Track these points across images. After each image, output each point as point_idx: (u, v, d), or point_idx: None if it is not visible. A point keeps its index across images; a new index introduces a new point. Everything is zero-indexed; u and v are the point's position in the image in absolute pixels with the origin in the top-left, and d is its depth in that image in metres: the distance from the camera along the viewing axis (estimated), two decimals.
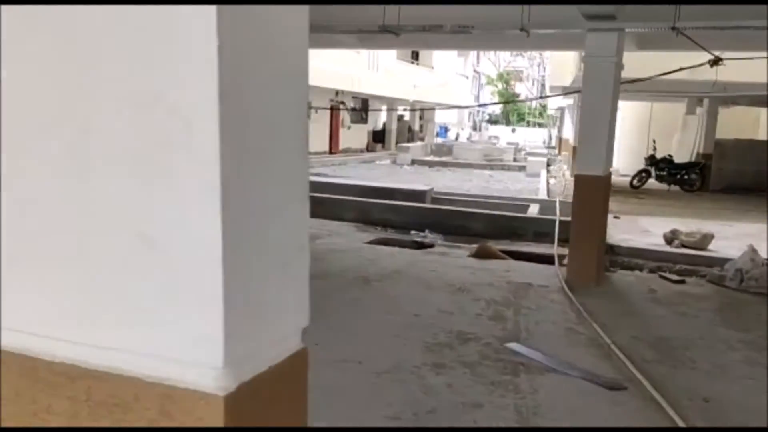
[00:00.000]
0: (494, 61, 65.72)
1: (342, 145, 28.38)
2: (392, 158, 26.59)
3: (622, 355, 4.29)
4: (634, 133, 21.01)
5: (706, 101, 17.97)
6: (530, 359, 4.21)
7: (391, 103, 33.12)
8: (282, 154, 0.94)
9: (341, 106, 28.03)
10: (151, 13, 0.78)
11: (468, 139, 50.44)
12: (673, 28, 5.69)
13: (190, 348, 0.81)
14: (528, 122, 55.89)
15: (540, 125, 56.62)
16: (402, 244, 8.40)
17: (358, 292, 5.82)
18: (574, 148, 18.86)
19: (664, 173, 17.50)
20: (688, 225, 11.44)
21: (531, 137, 51.49)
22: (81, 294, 0.88)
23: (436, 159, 27.19)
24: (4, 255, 0.92)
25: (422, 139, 36.06)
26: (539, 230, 8.93)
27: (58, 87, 0.86)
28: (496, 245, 8.55)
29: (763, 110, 20.98)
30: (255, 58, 0.84)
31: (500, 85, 61.67)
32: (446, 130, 52.65)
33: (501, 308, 5.46)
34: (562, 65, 16.06)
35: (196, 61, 0.78)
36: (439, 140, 41.85)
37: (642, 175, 17.59)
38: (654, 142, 18.75)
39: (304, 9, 0.93)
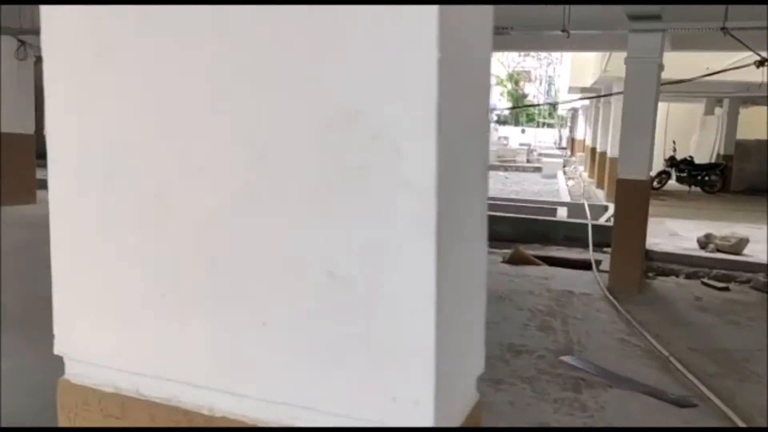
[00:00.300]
0: (503, 61, 65.49)
1: None
2: None
3: (684, 369, 4.12)
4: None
5: (726, 101, 17.74)
6: (589, 374, 4.05)
7: None
8: (473, 179, 0.79)
9: None
10: (352, 14, 0.63)
11: None
12: (723, 29, 5.51)
13: (388, 407, 0.67)
14: (538, 123, 55.56)
15: (550, 126, 56.34)
16: None
17: None
18: (593, 150, 18.70)
19: (685, 174, 17.30)
20: (718, 228, 11.26)
21: (541, 138, 51.23)
22: (251, 340, 0.73)
23: None
24: (160, 297, 0.78)
25: None
26: (570, 234, 8.76)
27: (231, 105, 0.71)
28: (528, 250, 8.39)
29: None
30: (458, 69, 0.68)
31: (509, 86, 61.43)
32: None
33: (547, 318, 5.30)
34: (582, 66, 15.89)
35: (411, 74, 0.63)
36: None
37: (662, 176, 17.38)
38: (674, 143, 18.52)
39: (489, 10, 0.78)
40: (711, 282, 6.76)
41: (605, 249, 8.33)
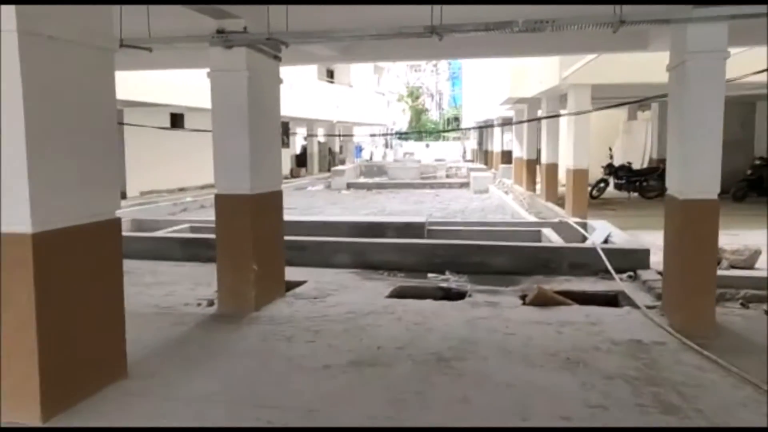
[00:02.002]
0: (400, 76, 65.53)
1: None
2: (326, 183, 24.92)
3: None
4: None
5: (654, 105, 17.68)
6: None
7: (312, 125, 31.49)
8: None
9: None
10: None
11: (383, 157, 49.55)
12: None
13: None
14: (444, 137, 55.70)
15: (447, 138, 56.56)
16: (428, 294, 6.87)
17: (450, 384, 4.23)
18: (529, 162, 18.06)
19: (623, 181, 16.98)
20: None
21: (446, 152, 51.24)
22: None
23: (371, 181, 25.79)
24: None
25: (343, 161, 34.64)
26: (575, 261, 7.67)
27: None
28: (530, 281, 7.22)
29: None
30: None
31: (410, 101, 61.43)
32: (361, 149, 51.52)
33: (655, 389, 4.05)
34: (521, 75, 15.14)
35: None
36: (360, 161, 40.58)
37: (600, 185, 17.00)
38: (611, 149, 18.27)
39: None
40: None
41: (621, 276, 7.30)
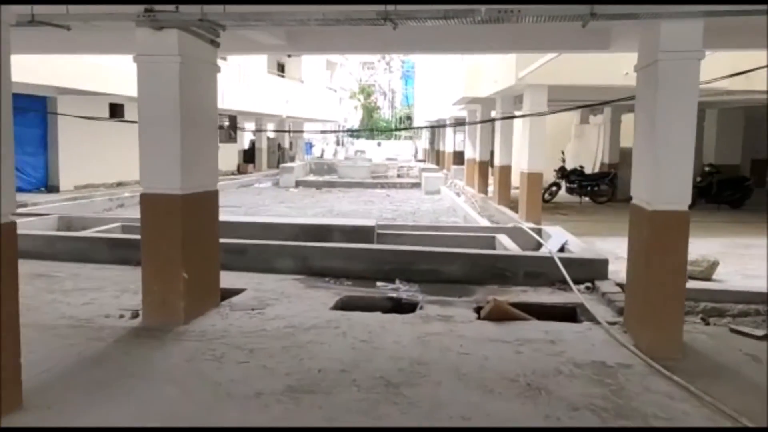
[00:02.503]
0: (353, 73, 64.87)
1: None
2: (273, 180, 24.15)
3: None
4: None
5: (607, 109, 17.64)
6: None
7: (261, 120, 30.63)
8: None
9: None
10: None
11: (334, 154, 48.87)
12: None
13: None
14: (396, 136, 55.32)
15: (399, 137, 56.25)
16: (377, 306, 6.36)
17: (399, 416, 3.73)
18: (482, 164, 17.78)
19: (575, 185, 16.86)
20: None
21: (398, 151, 50.87)
22: None
23: (321, 179, 25.15)
24: None
25: (293, 158, 33.86)
26: (531, 270, 7.29)
27: None
28: (494, 294, 6.80)
29: None
30: None
31: (362, 98, 60.85)
32: (311, 146, 50.69)
33: (624, 422, 3.65)
34: (476, 74, 14.80)
35: None
36: (310, 158, 39.82)
37: (552, 188, 16.84)
38: (563, 153, 18.14)
39: None
40: (744, 330, 5.51)
41: (579, 287, 6.96)
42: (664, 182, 4.74)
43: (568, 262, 7.20)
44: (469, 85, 15.13)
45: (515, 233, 9.14)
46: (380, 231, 8.99)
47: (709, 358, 4.83)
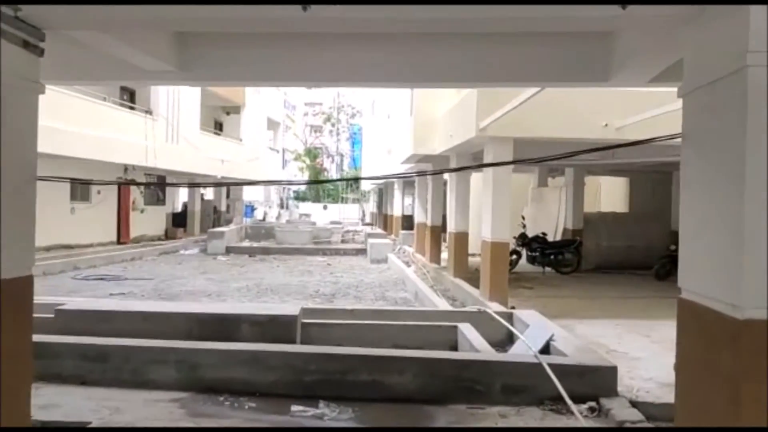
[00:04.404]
0: (298, 136, 63.42)
1: (135, 232, 22.85)
2: (201, 246, 21.66)
3: None
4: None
5: (569, 171, 16.13)
6: None
7: (192, 180, 28.25)
8: None
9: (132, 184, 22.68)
10: None
11: (277, 218, 46.55)
12: None
13: None
14: (343, 198, 53.53)
15: (346, 200, 54.48)
16: None
17: None
18: (434, 229, 15.87)
19: (537, 254, 15.07)
20: (645, 328, 8.60)
21: (345, 214, 48.94)
22: None
23: (256, 245, 22.78)
24: None
25: (230, 221, 31.38)
26: (511, 382, 5.20)
27: None
28: (448, 416, 4.67)
29: (604, 180, 20.05)
30: None
31: (308, 161, 59.17)
32: (253, 209, 48.21)
33: None
34: (427, 129, 13.04)
35: None
36: (249, 222, 37.41)
37: (512, 257, 15.00)
38: (523, 218, 16.44)
39: None
40: None
41: (581, 407, 4.90)
42: (759, 271, 2.77)
43: (563, 371, 5.16)
44: (420, 142, 13.33)
45: (481, 321, 7.08)
46: (306, 320, 6.78)
47: None
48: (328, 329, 6.79)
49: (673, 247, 13.70)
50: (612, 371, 5.18)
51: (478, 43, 5.05)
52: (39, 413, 4.61)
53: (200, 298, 11.22)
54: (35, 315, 6.62)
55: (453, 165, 12.80)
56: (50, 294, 10.78)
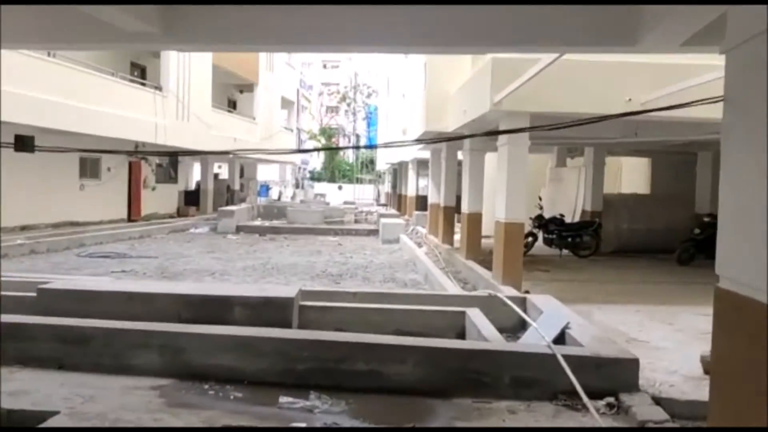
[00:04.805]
0: (315, 115, 62.94)
1: (146, 210, 22.60)
2: (212, 225, 21.37)
3: None
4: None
5: (588, 150, 15.51)
6: None
7: (206, 158, 27.94)
8: None
9: (143, 162, 22.40)
10: None
11: (293, 197, 46.25)
12: None
13: None
14: (358, 179, 53.10)
15: (362, 181, 54.03)
16: None
17: None
18: (447, 209, 15.40)
19: (554, 236, 14.51)
20: (664, 314, 8.10)
21: (360, 195, 48.53)
22: None
23: (267, 224, 22.44)
24: None
25: (244, 200, 31.07)
26: (521, 374, 4.76)
27: None
28: (452, 411, 4.25)
29: (626, 161, 19.37)
30: None
31: (323, 140, 58.69)
32: (268, 189, 48.00)
33: None
34: (440, 105, 12.51)
35: None
36: (262, 201, 37.14)
37: (528, 239, 14.48)
38: (540, 199, 15.89)
39: None
40: None
41: (598, 403, 4.45)
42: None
43: (579, 362, 4.70)
44: (433, 118, 12.79)
45: (492, 306, 6.63)
46: (305, 302, 6.37)
47: None
48: (328, 313, 6.38)
49: (697, 231, 13.10)
50: (633, 364, 4.71)
51: (494, 3, 4.55)
52: (7, 400, 4.27)
53: (203, 278, 10.88)
54: (17, 294, 6.31)
55: (467, 144, 12.27)
56: (52, 272, 10.51)
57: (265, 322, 5.66)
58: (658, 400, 4.56)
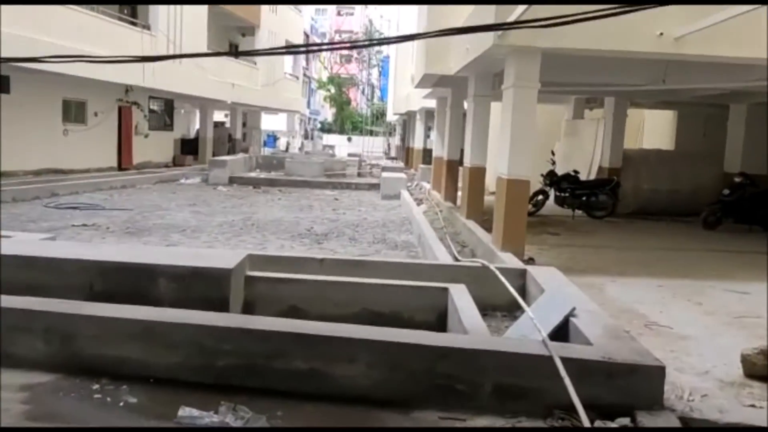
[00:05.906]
0: (326, 64, 60.93)
1: (138, 158, 21.49)
2: (204, 176, 20.23)
3: None
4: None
5: (609, 100, 14.03)
6: None
7: (205, 106, 26.66)
8: None
9: (134, 107, 21.18)
10: None
11: (300, 149, 44.91)
12: None
13: None
14: (371, 131, 51.58)
15: (378, 134, 52.55)
16: None
17: None
18: (450, 163, 14.12)
19: (567, 195, 13.21)
20: (692, 289, 6.90)
21: (369, 147, 47.08)
22: None
23: (263, 176, 21.28)
24: None
25: (246, 150, 29.85)
26: (506, 382, 3.58)
27: None
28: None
29: (649, 113, 17.84)
30: None
31: (333, 89, 56.89)
32: (275, 139, 46.68)
33: None
34: (441, 45, 11.08)
35: None
36: (267, 151, 35.88)
37: (538, 198, 13.20)
38: (553, 153, 14.53)
39: None
40: None
41: (610, 425, 3.28)
42: None
43: (584, 368, 3.52)
44: (433, 60, 11.37)
45: (485, 279, 5.44)
46: (254, 273, 5.22)
47: None
48: (282, 286, 5.23)
49: (726, 192, 11.74)
50: (657, 372, 3.51)
51: None
52: None
53: (170, 235, 9.78)
54: None
55: (471, 89, 10.89)
56: (3, 225, 9.45)
57: (194, 299, 4.53)
58: (687, 422, 3.40)
